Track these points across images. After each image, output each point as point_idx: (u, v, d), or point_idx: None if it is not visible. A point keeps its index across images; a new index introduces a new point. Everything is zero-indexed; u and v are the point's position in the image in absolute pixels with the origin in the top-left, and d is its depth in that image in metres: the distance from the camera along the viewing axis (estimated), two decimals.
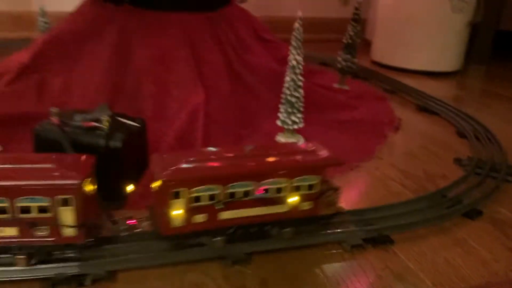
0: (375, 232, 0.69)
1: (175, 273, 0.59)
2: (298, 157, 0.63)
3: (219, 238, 0.61)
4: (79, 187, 0.54)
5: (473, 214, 0.77)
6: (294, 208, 0.63)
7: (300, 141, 0.99)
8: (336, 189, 0.66)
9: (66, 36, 1.08)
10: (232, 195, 0.59)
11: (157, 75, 0.98)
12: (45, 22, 1.40)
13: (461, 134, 1.12)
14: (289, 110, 0.96)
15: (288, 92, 0.95)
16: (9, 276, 0.56)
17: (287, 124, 0.97)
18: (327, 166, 0.64)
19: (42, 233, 0.55)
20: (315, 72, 1.46)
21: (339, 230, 0.68)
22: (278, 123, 0.98)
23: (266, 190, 0.61)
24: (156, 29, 1.04)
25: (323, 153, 0.64)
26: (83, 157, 0.60)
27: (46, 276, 0.56)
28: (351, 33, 1.33)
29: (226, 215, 0.60)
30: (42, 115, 0.95)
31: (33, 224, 0.55)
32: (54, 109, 0.71)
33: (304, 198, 0.63)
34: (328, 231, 0.67)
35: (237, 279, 0.59)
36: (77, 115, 0.71)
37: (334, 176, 0.86)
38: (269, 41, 1.29)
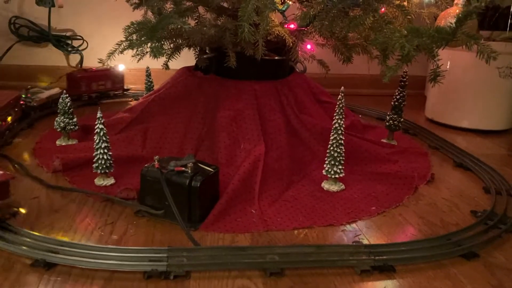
0: (382, 262, 0.90)
1: None
2: None
3: None
4: None
5: (469, 255, 0.95)
6: None
7: (341, 188, 1.23)
8: None
9: (166, 96, 1.42)
10: None
11: (231, 131, 1.27)
12: (150, 81, 1.78)
13: (487, 190, 1.29)
14: (332, 162, 1.20)
15: (332, 148, 1.20)
16: None
17: (330, 173, 1.21)
18: None
19: None
20: (368, 127, 1.70)
21: (353, 258, 0.91)
22: (324, 172, 1.22)
23: None
24: (233, 94, 1.34)
25: None
26: None
27: None
28: (398, 97, 1.55)
29: None
30: (145, 157, 1.28)
31: None
32: (156, 157, 1.02)
33: None
34: (344, 258, 0.90)
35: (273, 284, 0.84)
36: (172, 161, 1.01)
37: (363, 219, 1.09)
38: (326, 102, 1.55)
